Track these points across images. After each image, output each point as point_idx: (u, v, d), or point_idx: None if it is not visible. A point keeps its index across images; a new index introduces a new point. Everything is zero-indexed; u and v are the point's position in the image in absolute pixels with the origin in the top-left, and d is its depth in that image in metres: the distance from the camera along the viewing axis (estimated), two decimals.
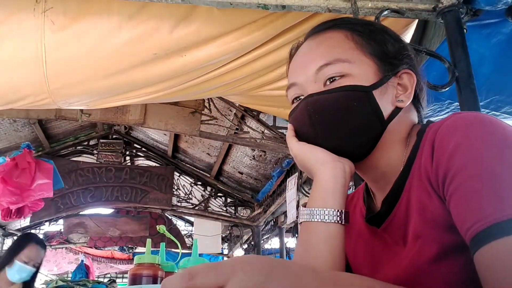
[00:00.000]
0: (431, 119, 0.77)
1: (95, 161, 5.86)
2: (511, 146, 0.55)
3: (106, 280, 3.25)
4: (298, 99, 0.76)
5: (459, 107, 1.38)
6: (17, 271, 2.75)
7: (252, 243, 6.26)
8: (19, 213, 3.17)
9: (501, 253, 0.49)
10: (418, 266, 0.63)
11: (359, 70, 0.70)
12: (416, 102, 0.76)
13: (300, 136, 0.76)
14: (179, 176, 6.03)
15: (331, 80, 0.70)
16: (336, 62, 0.70)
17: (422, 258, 0.62)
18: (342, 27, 0.75)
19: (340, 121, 0.69)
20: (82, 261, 8.65)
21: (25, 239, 2.90)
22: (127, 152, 6.06)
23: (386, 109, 0.70)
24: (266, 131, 3.75)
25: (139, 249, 8.39)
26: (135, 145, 6.12)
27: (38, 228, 6.78)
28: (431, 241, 0.61)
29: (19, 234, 6.56)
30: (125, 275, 9.90)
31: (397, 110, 0.72)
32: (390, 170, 0.71)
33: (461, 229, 0.55)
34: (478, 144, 0.56)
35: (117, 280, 10.61)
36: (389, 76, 0.71)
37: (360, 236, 0.80)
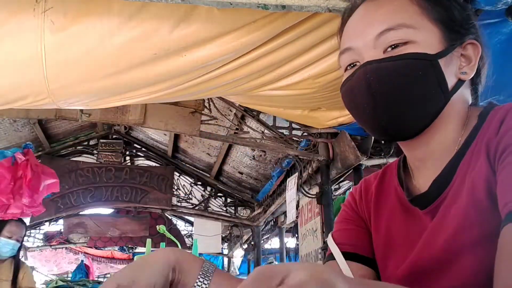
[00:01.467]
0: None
1: (95, 161, 5.87)
2: None
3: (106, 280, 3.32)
4: (352, 65, 0.70)
5: None
6: (2, 246, 3.02)
7: (252, 243, 6.26)
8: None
9: None
10: (456, 247, 0.60)
11: (424, 37, 0.64)
12: (475, 77, 0.70)
13: (355, 107, 0.70)
14: (179, 176, 6.03)
15: (393, 47, 0.65)
16: (399, 28, 0.64)
17: (461, 240, 0.59)
18: None
19: (403, 91, 0.64)
20: (82, 261, 8.66)
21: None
22: (127, 152, 6.07)
23: (450, 81, 0.65)
24: (266, 131, 3.75)
25: (139, 249, 8.39)
26: (135, 145, 6.13)
27: (38, 228, 6.78)
28: (474, 224, 0.58)
29: None
30: None
31: (460, 83, 0.67)
32: (443, 149, 0.67)
33: (500, 202, 0.53)
34: None
35: None
36: (455, 45, 0.66)
37: (394, 216, 0.75)
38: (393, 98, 0.64)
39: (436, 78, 0.64)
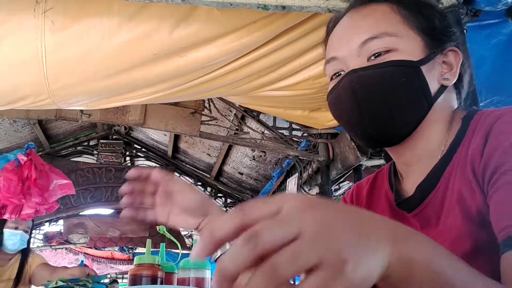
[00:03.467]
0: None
1: (95, 162, 5.87)
2: None
3: (107, 280, 3.29)
4: (337, 75, 0.72)
5: None
6: (9, 238, 2.82)
7: None
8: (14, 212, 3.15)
9: None
10: None
11: (407, 45, 0.66)
12: (458, 83, 0.72)
13: (342, 115, 0.71)
14: (179, 176, 6.02)
15: (376, 55, 0.66)
16: (383, 36, 0.66)
17: (455, 253, 0.61)
18: None
19: (388, 98, 0.66)
20: (82, 261, 8.64)
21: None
22: (127, 153, 6.07)
23: (432, 87, 0.67)
24: (266, 131, 3.75)
25: (139, 250, 8.39)
26: (135, 145, 6.12)
27: (38, 228, 6.78)
28: (466, 236, 0.59)
29: None
30: (125, 276, 9.89)
31: (442, 88, 0.69)
32: (428, 154, 0.69)
33: (495, 227, 0.53)
34: None
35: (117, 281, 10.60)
36: (436, 52, 0.68)
37: None
38: (378, 105, 0.66)
39: (419, 84, 0.65)
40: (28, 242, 2.98)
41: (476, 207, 0.58)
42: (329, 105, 0.74)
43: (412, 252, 0.39)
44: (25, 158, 3.08)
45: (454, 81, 0.70)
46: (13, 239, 2.82)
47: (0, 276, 2.79)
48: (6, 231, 2.84)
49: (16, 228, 2.86)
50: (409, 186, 0.72)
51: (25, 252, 2.94)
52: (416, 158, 0.70)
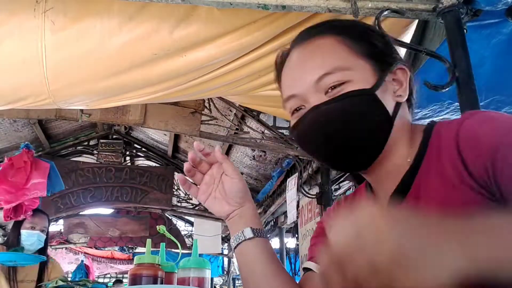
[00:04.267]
0: (433, 119, 0.78)
1: (95, 161, 5.87)
2: None
3: (111, 280, 3.30)
4: (298, 109, 0.75)
5: (459, 107, 1.38)
6: (26, 239, 2.81)
7: None
8: (17, 212, 3.17)
9: None
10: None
11: (359, 74, 0.70)
12: (409, 97, 0.77)
13: (311, 149, 0.75)
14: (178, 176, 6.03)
15: (332, 88, 0.70)
16: (336, 71, 0.70)
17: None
18: (331, 32, 0.75)
19: (353, 127, 0.69)
20: (82, 261, 8.66)
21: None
22: (127, 152, 6.07)
23: (389, 106, 0.71)
24: (266, 131, 3.75)
25: (139, 249, 8.39)
26: (135, 145, 6.13)
27: None
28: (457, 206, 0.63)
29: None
30: (125, 275, 9.90)
31: (397, 105, 0.73)
32: (395, 169, 0.72)
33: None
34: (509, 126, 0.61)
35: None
36: (385, 74, 0.72)
37: None
38: (345, 136, 0.70)
39: (378, 109, 0.69)
40: (46, 242, 2.96)
41: (460, 202, 0.62)
42: (295, 139, 0.78)
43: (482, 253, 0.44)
44: (6, 162, 3.11)
45: (406, 96, 0.74)
46: (31, 239, 2.82)
47: (25, 276, 2.78)
48: (23, 232, 2.83)
49: (33, 228, 2.85)
50: (383, 197, 0.76)
51: (43, 252, 2.93)
52: (386, 174, 0.74)
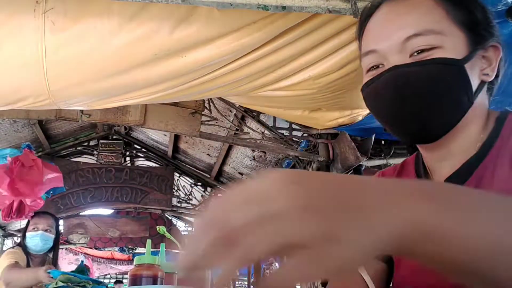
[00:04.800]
0: None
1: (95, 162, 5.86)
2: None
3: (111, 280, 3.31)
4: (375, 67, 0.70)
5: None
6: (30, 240, 2.82)
7: None
8: (20, 212, 3.18)
9: None
10: None
11: (451, 42, 0.65)
12: (494, 79, 0.72)
13: (380, 109, 0.70)
14: (179, 176, 6.03)
15: (420, 51, 0.65)
16: (428, 33, 0.64)
17: None
18: None
19: (431, 96, 0.64)
20: (82, 261, 8.65)
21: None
22: (127, 153, 6.06)
23: (474, 84, 0.66)
24: (266, 131, 3.75)
25: (139, 250, 8.38)
26: (135, 145, 6.12)
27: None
28: None
29: (19, 234, 6.56)
30: (125, 276, 9.89)
31: (481, 84, 0.68)
32: (461, 151, 0.68)
33: None
34: None
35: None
36: (478, 48, 0.67)
37: None
38: (422, 103, 0.65)
39: (462, 83, 0.65)
40: (56, 241, 2.95)
41: None
42: (365, 97, 0.73)
43: (434, 220, 0.33)
44: (11, 160, 3.12)
45: (493, 76, 0.69)
46: (34, 240, 2.81)
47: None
48: (27, 234, 2.84)
49: (35, 229, 2.84)
50: (437, 178, 0.72)
51: (54, 252, 2.94)
52: (449, 155, 0.69)
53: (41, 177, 3.23)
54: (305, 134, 3.61)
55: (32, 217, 2.96)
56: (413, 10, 0.67)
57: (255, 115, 3.78)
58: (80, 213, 6.23)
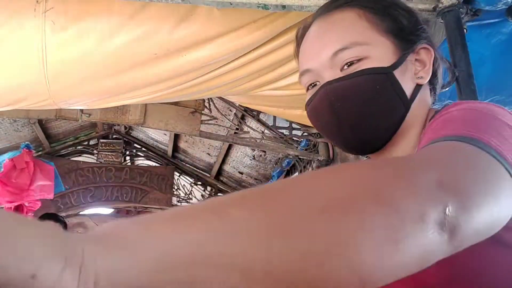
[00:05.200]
0: None
1: (95, 161, 5.86)
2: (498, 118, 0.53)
3: None
4: (313, 85, 0.72)
5: None
6: None
7: None
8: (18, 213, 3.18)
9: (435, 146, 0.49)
10: None
11: (377, 51, 0.66)
12: (432, 78, 0.72)
13: (321, 126, 0.72)
14: (179, 176, 6.03)
15: (349, 64, 0.66)
16: (353, 46, 0.66)
17: None
18: (353, 5, 0.70)
19: (364, 107, 0.65)
20: None
21: (44, 219, 2.98)
22: (127, 152, 6.06)
23: (407, 88, 0.67)
24: (266, 131, 3.75)
25: None
26: (135, 145, 6.12)
27: None
28: None
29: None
30: None
31: (417, 87, 0.68)
32: (403, 154, 0.68)
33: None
34: (464, 112, 0.56)
35: None
36: (407, 53, 0.68)
37: None
38: (355, 114, 0.66)
39: (393, 90, 0.65)
40: None
41: None
42: (308, 116, 0.75)
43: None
44: (7, 161, 3.12)
45: (428, 78, 0.69)
46: None
47: None
48: None
49: None
50: None
51: None
52: None
53: (28, 183, 3.20)
54: (305, 133, 3.61)
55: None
56: (337, 26, 0.69)
57: (255, 114, 3.78)
58: (80, 213, 6.24)
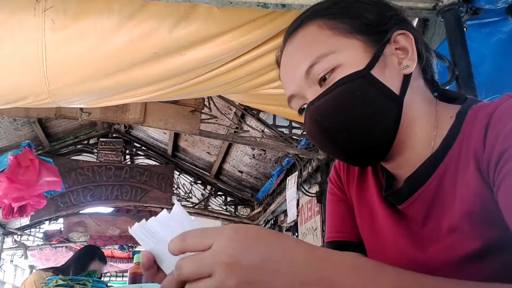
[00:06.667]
0: None
1: (95, 160, 5.86)
2: None
3: (111, 278, 3.37)
4: (302, 109, 0.70)
5: None
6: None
7: None
8: (21, 211, 3.18)
9: None
10: (452, 261, 0.57)
11: (347, 56, 0.62)
12: (422, 64, 0.67)
13: (321, 147, 0.69)
14: (179, 175, 6.03)
15: (323, 79, 0.63)
16: (320, 59, 0.63)
17: (458, 253, 0.56)
18: (313, 17, 0.67)
19: (351, 118, 0.62)
20: None
21: (91, 254, 3.08)
22: (127, 151, 6.06)
23: (394, 83, 0.62)
24: (266, 130, 3.75)
25: (139, 248, 8.39)
26: (135, 143, 6.12)
27: (38, 227, 6.78)
28: (472, 236, 0.55)
29: (19, 233, 6.58)
30: (125, 274, 9.90)
31: (406, 79, 0.63)
32: (416, 154, 0.64)
33: (509, 219, 0.49)
34: None
35: (117, 279, 10.63)
36: (382, 47, 0.63)
37: (375, 205, 0.73)
38: (345, 128, 0.62)
39: (376, 90, 0.61)
40: None
41: (480, 206, 0.54)
42: (309, 139, 0.74)
43: None
44: (12, 159, 3.11)
45: (414, 65, 0.64)
46: None
47: None
48: None
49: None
50: (398, 178, 0.70)
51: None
52: (405, 161, 0.66)
53: (36, 178, 3.21)
54: (305, 132, 3.61)
55: (91, 259, 3.01)
56: (301, 44, 0.67)
57: (255, 113, 3.78)
58: (80, 211, 6.24)
